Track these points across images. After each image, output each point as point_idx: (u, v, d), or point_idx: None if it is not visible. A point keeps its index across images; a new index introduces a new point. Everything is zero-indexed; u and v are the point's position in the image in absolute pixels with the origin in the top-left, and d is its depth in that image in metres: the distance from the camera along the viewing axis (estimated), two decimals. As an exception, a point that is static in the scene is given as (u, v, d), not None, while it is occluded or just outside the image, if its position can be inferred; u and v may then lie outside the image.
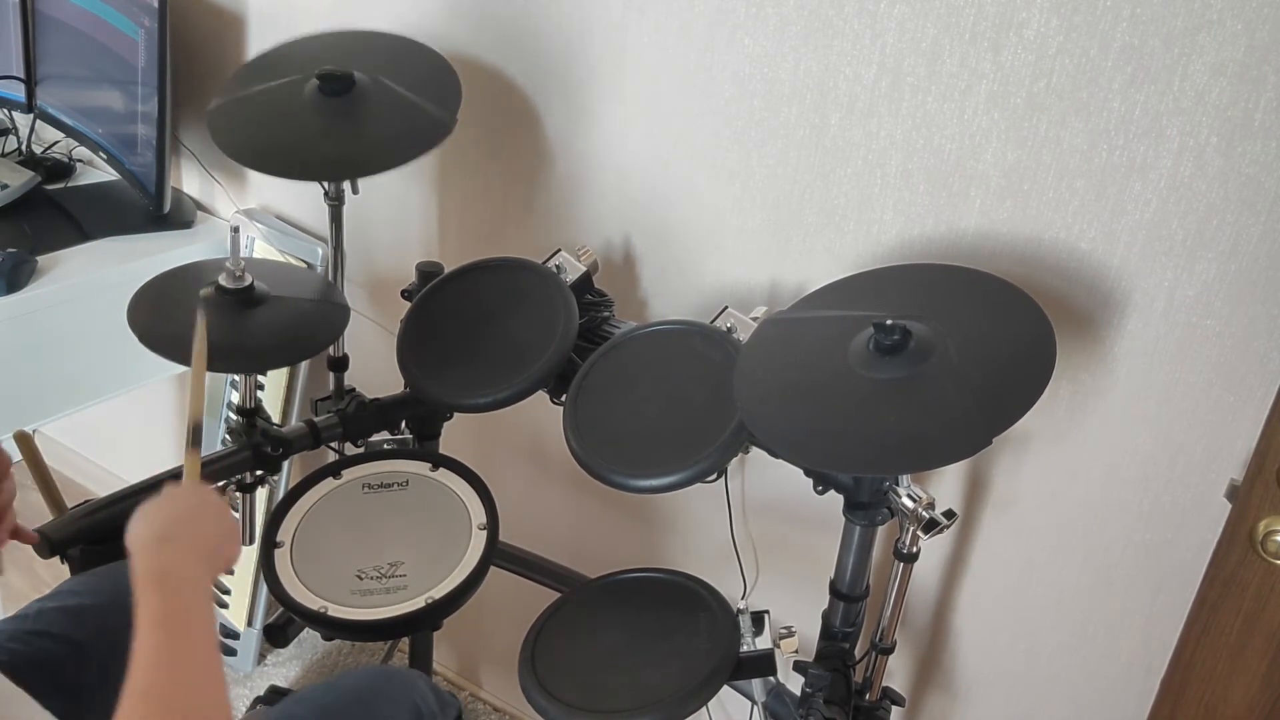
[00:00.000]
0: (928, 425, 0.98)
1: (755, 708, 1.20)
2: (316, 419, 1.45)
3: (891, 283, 1.17)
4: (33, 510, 1.13)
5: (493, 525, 1.28)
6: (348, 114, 1.37)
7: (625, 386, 1.22)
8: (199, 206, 1.95)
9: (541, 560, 1.52)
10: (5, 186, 1.83)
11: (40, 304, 1.64)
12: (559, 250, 1.36)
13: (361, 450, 1.45)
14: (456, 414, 1.57)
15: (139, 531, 0.89)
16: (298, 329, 1.33)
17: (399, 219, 1.72)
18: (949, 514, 1.10)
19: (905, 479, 1.12)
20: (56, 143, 2.02)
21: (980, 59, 1.14)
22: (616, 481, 1.13)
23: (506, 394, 1.25)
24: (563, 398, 1.24)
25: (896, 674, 1.48)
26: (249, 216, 1.86)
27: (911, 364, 1.01)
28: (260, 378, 1.70)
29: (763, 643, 1.14)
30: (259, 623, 1.99)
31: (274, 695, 1.44)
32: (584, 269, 1.35)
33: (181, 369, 1.17)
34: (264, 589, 1.96)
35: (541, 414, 1.45)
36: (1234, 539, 0.97)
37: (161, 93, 1.67)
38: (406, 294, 1.44)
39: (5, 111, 2.03)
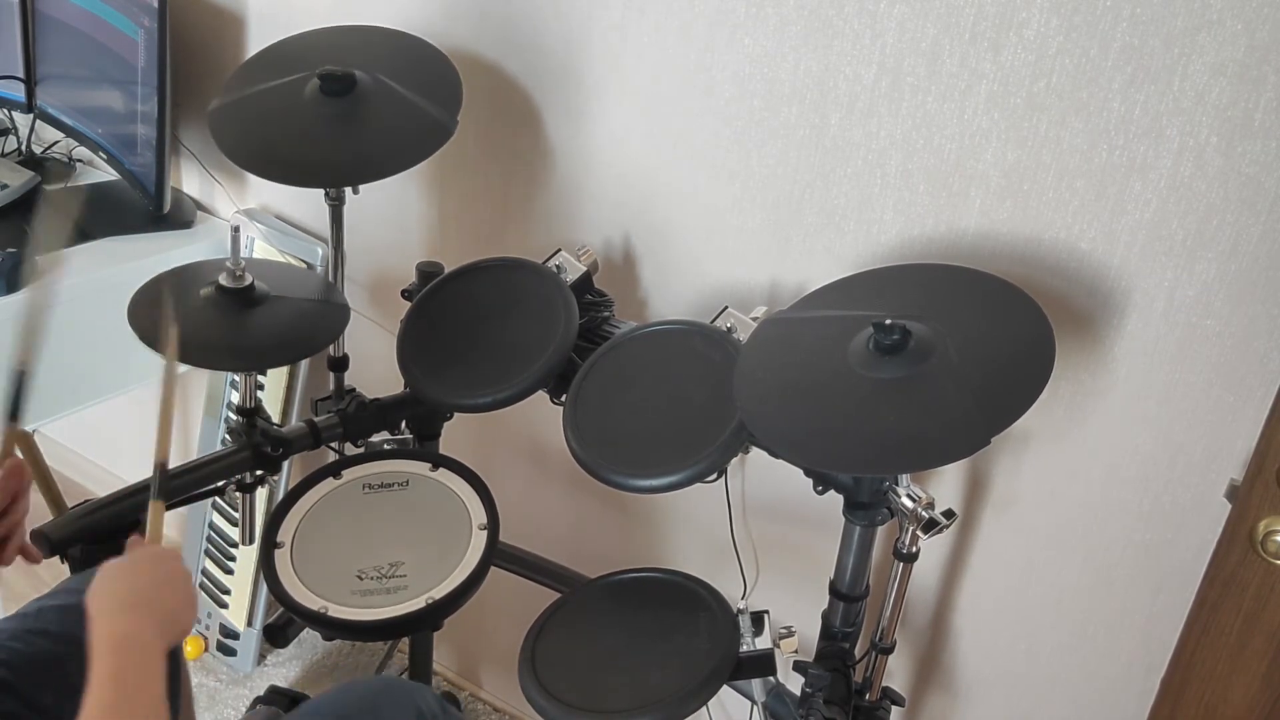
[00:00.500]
0: (928, 425, 0.98)
1: (755, 708, 1.20)
2: (316, 419, 1.45)
3: (891, 283, 1.17)
4: (33, 510, 1.13)
5: (493, 525, 1.28)
6: (349, 116, 1.37)
7: (625, 386, 1.22)
8: (199, 206, 1.95)
9: (541, 560, 1.52)
10: (5, 186, 1.83)
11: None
12: (559, 250, 1.37)
13: (361, 450, 1.45)
14: (456, 414, 1.57)
15: (101, 600, 0.90)
16: (298, 329, 1.33)
17: (399, 219, 1.72)
18: (949, 514, 1.10)
19: (905, 479, 1.12)
20: (56, 143, 2.02)
21: (980, 59, 1.14)
22: (616, 481, 1.13)
23: (506, 394, 1.25)
24: (563, 398, 1.24)
25: (896, 674, 1.48)
26: (249, 216, 1.86)
27: (911, 364, 1.01)
28: (260, 378, 1.70)
29: (763, 643, 1.14)
30: (259, 623, 1.99)
31: (274, 695, 1.44)
32: (584, 269, 1.35)
33: (181, 369, 1.17)
34: (264, 589, 1.96)
35: (541, 414, 1.45)
36: (1234, 539, 0.97)
37: (161, 93, 1.67)
38: (406, 294, 1.44)
39: (5, 111, 2.03)
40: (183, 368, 1.15)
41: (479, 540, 1.27)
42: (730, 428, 1.11)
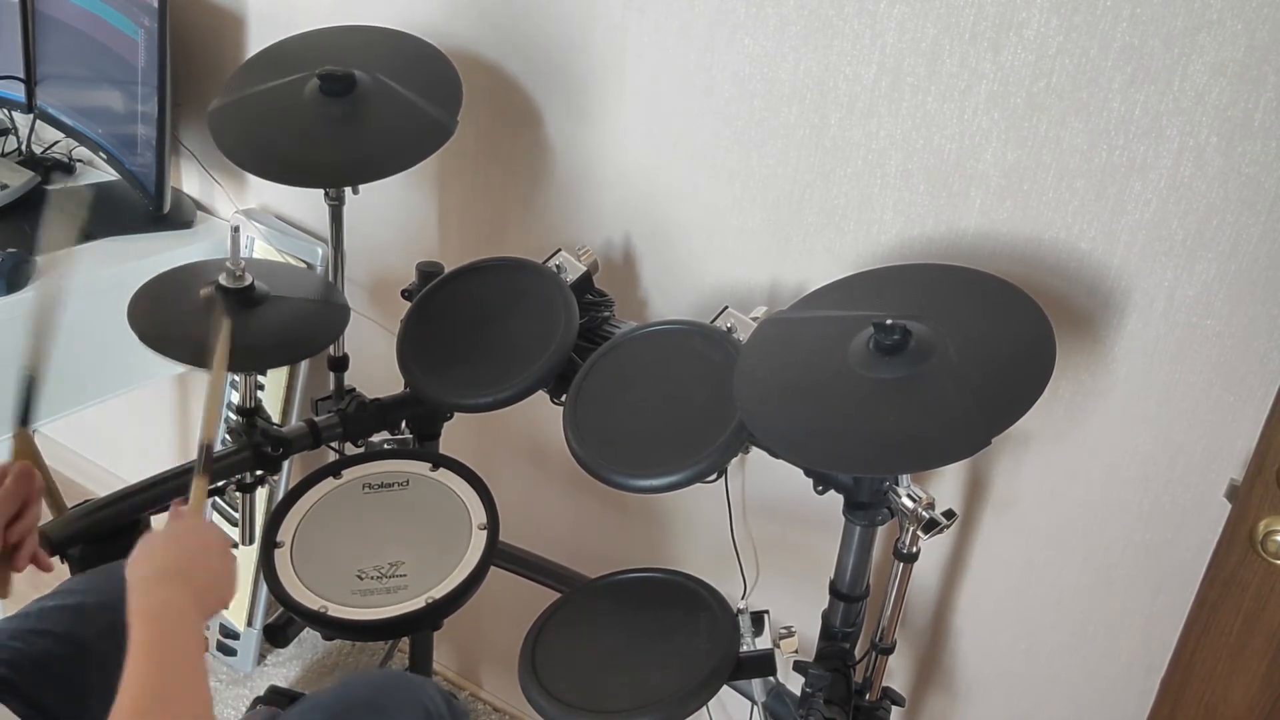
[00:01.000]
0: (928, 425, 0.98)
1: (755, 708, 1.20)
2: (317, 419, 1.45)
3: (891, 283, 1.17)
4: (33, 510, 1.14)
5: (493, 525, 1.28)
6: (349, 116, 1.37)
7: (625, 386, 1.22)
8: (199, 206, 1.95)
9: (541, 560, 1.52)
10: (5, 187, 1.83)
11: (40, 304, 1.65)
12: (559, 250, 1.36)
13: (361, 450, 1.45)
14: (456, 414, 1.57)
15: (140, 568, 0.91)
16: (298, 329, 1.33)
17: (399, 219, 1.72)
18: (949, 514, 1.10)
19: (905, 479, 1.12)
20: (56, 143, 2.02)
21: (980, 59, 1.14)
22: (616, 481, 1.13)
23: (506, 394, 1.25)
24: (563, 398, 1.24)
25: (896, 674, 1.48)
26: (249, 216, 1.86)
27: (911, 364, 1.01)
28: (260, 378, 1.71)
29: (763, 643, 1.14)
30: (259, 623, 1.99)
31: (274, 695, 1.44)
32: (584, 269, 1.35)
33: (181, 369, 1.17)
34: (264, 589, 1.96)
35: (541, 414, 1.45)
36: (1234, 539, 0.97)
37: (161, 93, 1.67)
38: (406, 294, 1.44)
39: (5, 111, 2.03)
40: (183, 368, 1.16)
41: (479, 540, 1.27)
42: (730, 428, 1.11)
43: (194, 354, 1.25)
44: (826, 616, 1.24)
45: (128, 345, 1.24)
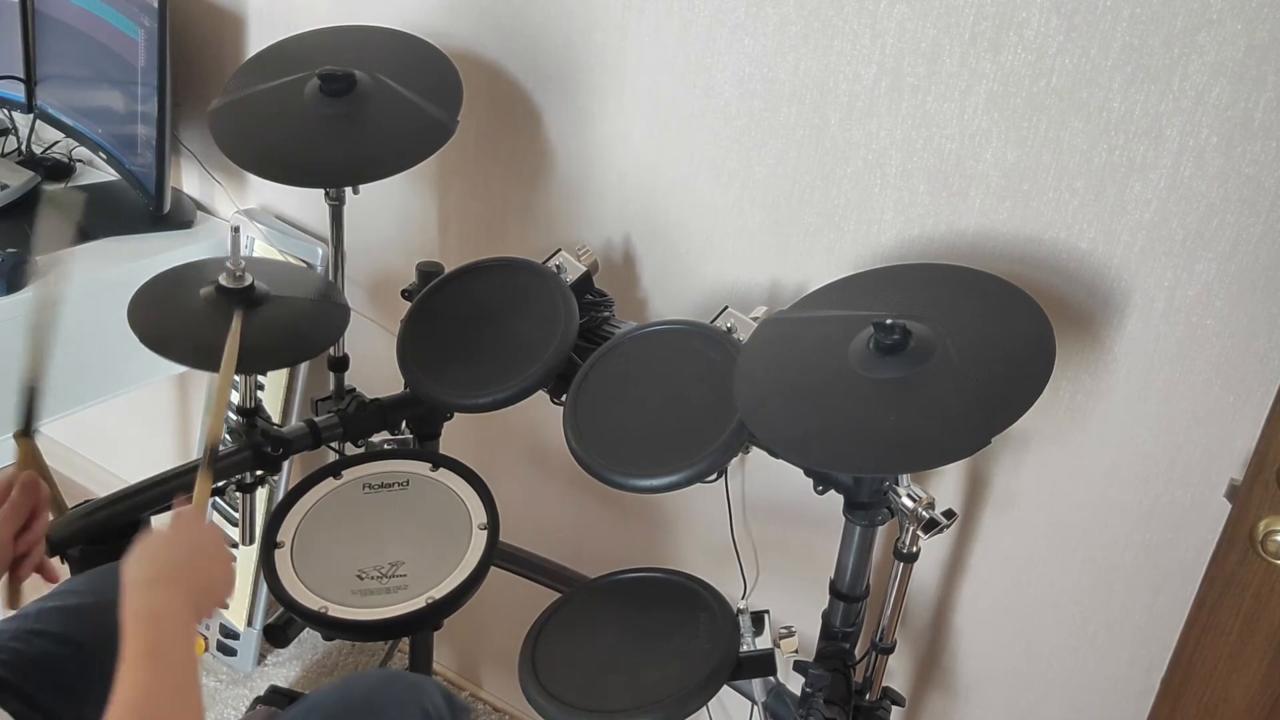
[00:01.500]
0: (928, 425, 0.98)
1: (755, 708, 1.20)
2: (317, 419, 1.45)
3: (891, 283, 1.17)
4: (33, 510, 1.13)
5: (493, 525, 1.29)
6: (349, 116, 1.37)
7: (625, 386, 1.22)
8: (199, 206, 1.95)
9: (541, 560, 1.52)
10: (5, 187, 1.83)
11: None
12: (559, 250, 1.37)
13: (361, 450, 1.45)
14: (457, 414, 1.57)
15: (138, 569, 0.91)
16: (298, 329, 1.33)
17: (399, 219, 1.72)
18: (949, 514, 1.10)
19: (905, 479, 1.12)
20: (56, 143, 2.02)
21: (980, 59, 1.14)
22: (616, 481, 1.13)
23: (506, 394, 1.25)
24: (563, 398, 1.24)
25: (896, 674, 1.48)
26: (249, 216, 1.86)
27: (911, 364, 1.01)
28: (260, 378, 1.71)
29: (763, 643, 1.14)
30: (259, 623, 1.99)
31: (274, 695, 1.44)
32: (584, 269, 1.35)
33: (180, 369, 1.18)
34: (264, 589, 1.96)
35: (541, 414, 1.45)
36: (1234, 539, 0.97)
37: (161, 93, 1.67)
38: (406, 294, 1.44)
39: (5, 111, 2.03)
40: (182, 368, 1.16)
41: (479, 540, 1.27)
42: (730, 428, 1.11)
43: (194, 354, 1.26)
44: (826, 616, 1.24)
45: (128, 345, 1.24)
